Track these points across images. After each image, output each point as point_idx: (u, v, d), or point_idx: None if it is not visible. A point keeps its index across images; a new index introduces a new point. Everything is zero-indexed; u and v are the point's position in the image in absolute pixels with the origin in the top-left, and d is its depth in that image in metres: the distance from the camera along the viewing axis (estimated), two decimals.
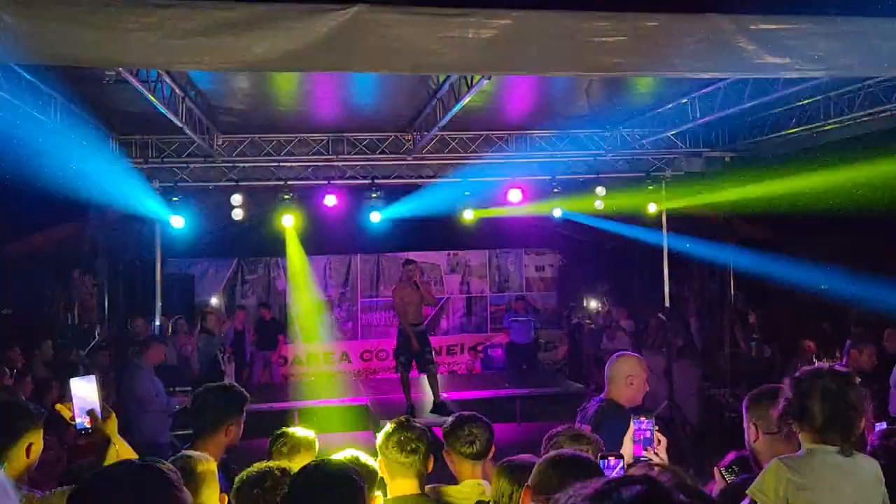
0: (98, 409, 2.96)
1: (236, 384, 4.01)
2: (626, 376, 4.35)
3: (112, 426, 3.01)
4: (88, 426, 2.95)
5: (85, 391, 2.98)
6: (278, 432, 3.88)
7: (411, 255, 14.45)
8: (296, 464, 3.16)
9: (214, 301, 15.23)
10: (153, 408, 7.51)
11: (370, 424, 11.36)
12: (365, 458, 3.48)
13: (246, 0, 4.45)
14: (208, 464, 2.91)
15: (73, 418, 2.96)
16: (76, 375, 2.95)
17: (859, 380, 3.06)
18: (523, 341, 15.08)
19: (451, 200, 11.61)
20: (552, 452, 2.69)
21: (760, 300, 11.77)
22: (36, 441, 3.01)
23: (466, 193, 10.98)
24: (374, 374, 15.43)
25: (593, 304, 15.26)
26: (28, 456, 2.98)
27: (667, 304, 11.80)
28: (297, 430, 3.94)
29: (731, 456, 3.52)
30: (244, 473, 2.90)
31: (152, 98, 6.81)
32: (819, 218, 11.26)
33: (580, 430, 3.47)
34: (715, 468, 3.40)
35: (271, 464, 3.02)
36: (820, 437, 2.94)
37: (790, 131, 9.20)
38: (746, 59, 4.91)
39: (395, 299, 10.73)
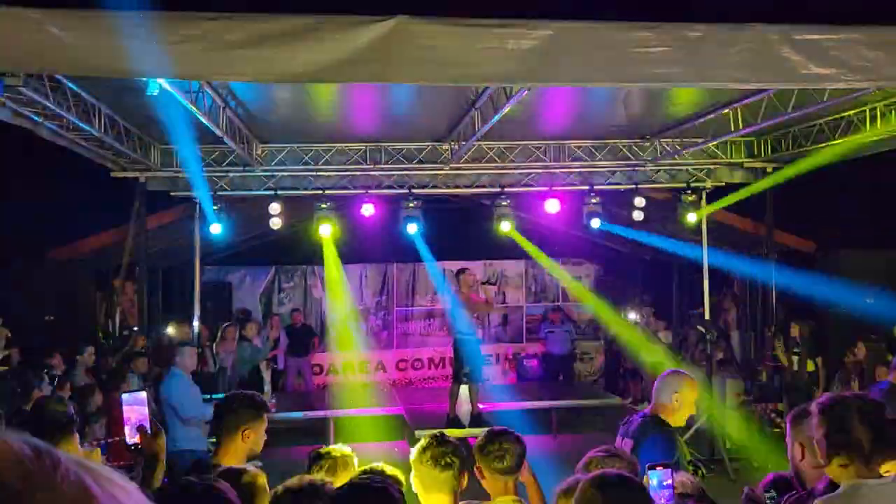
0: (148, 426, 2.97)
1: (257, 393, 4.02)
2: (674, 394, 4.24)
3: (161, 443, 3.02)
4: (138, 442, 2.96)
5: (136, 407, 2.99)
6: (316, 453, 3.86)
7: (447, 264, 14.48)
8: (337, 480, 3.13)
9: (251, 309, 15.33)
10: (189, 415, 7.53)
11: (405, 434, 11.35)
12: (390, 469, 3.44)
13: (288, 12, 4.49)
14: (262, 477, 2.92)
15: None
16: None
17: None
18: (559, 352, 14.98)
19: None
20: (597, 472, 2.64)
21: (803, 314, 11.56)
22: (71, 449, 3.02)
23: (504, 204, 10.96)
24: (410, 384, 15.41)
25: (631, 316, 15.10)
26: None
27: (706, 316, 11.64)
28: (336, 448, 3.92)
29: (769, 478, 3.42)
30: (278, 489, 2.85)
31: (194, 108, 6.88)
32: (864, 230, 11.07)
33: (616, 449, 3.41)
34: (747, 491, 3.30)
35: (305, 478, 2.96)
36: (868, 464, 2.70)
37: (834, 142, 9.03)
38: (791, 69, 4.84)
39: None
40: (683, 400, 4.24)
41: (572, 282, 16.12)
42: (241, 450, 3.69)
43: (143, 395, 3.04)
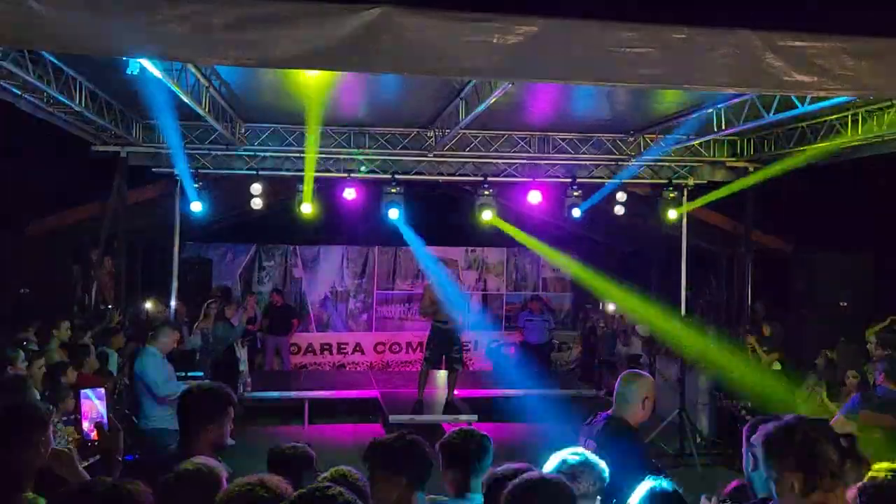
0: (105, 422, 2.96)
1: (223, 384, 3.92)
2: (644, 399, 4.26)
3: (118, 441, 2.99)
4: (95, 439, 2.96)
5: (94, 403, 2.98)
6: (278, 450, 3.75)
7: (429, 249, 14.47)
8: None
9: (231, 287, 15.28)
10: (163, 394, 7.50)
11: (380, 417, 11.39)
12: (354, 472, 3.38)
13: None
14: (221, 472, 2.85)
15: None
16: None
17: None
18: (537, 341, 15.01)
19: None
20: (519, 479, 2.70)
21: (778, 312, 11.67)
22: (44, 440, 2.97)
23: (487, 193, 10.94)
24: (388, 367, 15.43)
25: (609, 308, 15.17)
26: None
27: (682, 311, 11.72)
28: (297, 447, 3.82)
29: (734, 484, 3.46)
30: (227, 491, 2.65)
31: (176, 88, 6.83)
32: (840, 231, 11.17)
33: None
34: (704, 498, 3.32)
35: (254, 481, 2.68)
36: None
37: (816, 145, 9.11)
38: (773, 75, 4.86)
39: (425, 298, 10.79)
40: (649, 403, 4.27)
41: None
42: (206, 443, 3.61)
43: (102, 391, 3.04)
